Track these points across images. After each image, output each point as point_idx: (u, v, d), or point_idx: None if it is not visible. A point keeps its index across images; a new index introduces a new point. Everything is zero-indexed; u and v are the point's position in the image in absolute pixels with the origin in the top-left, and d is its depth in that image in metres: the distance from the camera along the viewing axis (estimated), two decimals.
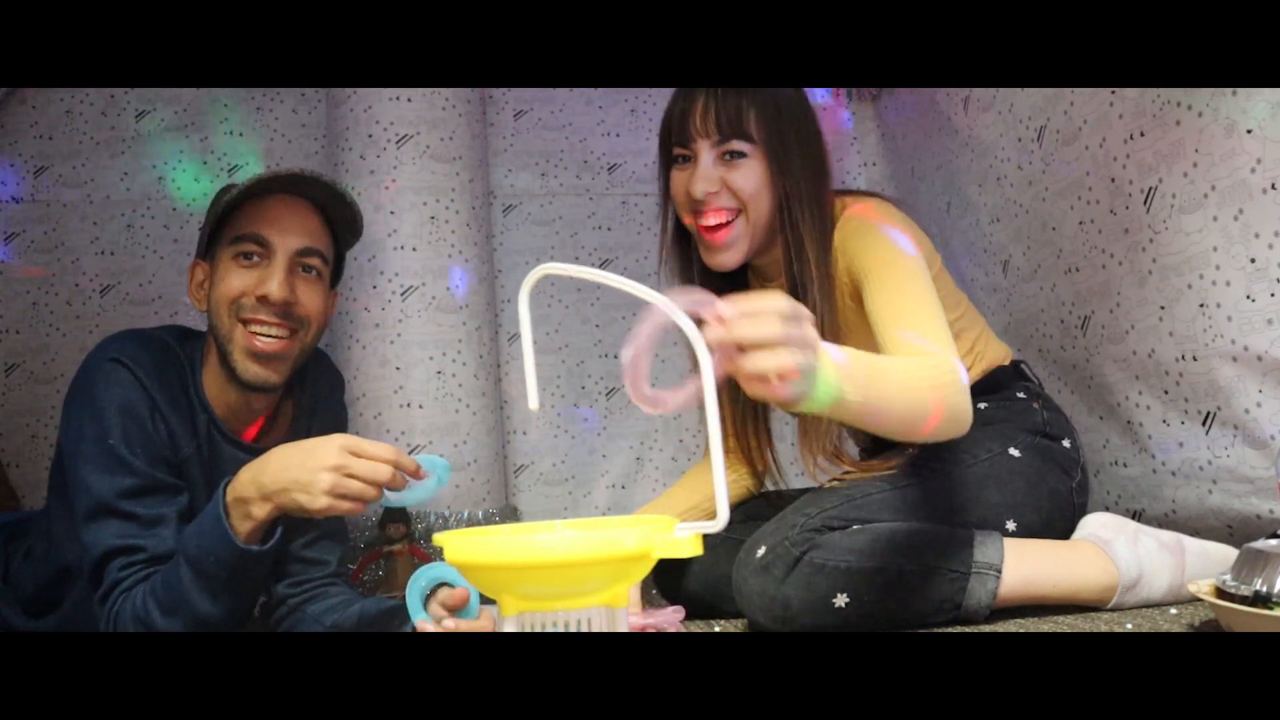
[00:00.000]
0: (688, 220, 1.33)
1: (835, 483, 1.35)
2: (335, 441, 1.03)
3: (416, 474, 1.05)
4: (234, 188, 1.25)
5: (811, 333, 0.85)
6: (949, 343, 1.15)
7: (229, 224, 1.22)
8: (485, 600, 1.13)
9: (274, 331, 1.21)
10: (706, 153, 1.27)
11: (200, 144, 2.27)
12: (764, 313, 0.83)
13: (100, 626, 1.12)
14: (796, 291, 1.27)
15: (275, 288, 1.19)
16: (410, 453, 2.03)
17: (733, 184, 1.26)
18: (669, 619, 1.29)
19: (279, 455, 1.06)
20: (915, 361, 1.09)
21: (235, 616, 1.11)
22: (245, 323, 1.20)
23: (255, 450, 1.28)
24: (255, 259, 1.21)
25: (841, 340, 1.31)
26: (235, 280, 1.20)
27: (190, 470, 1.23)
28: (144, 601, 1.08)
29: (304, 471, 1.02)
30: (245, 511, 1.05)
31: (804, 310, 0.85)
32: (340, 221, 1.32)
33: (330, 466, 1.01)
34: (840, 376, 0.91)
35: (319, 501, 1.01)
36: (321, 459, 1.02)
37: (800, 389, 0.86)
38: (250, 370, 1.21)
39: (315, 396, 1.38)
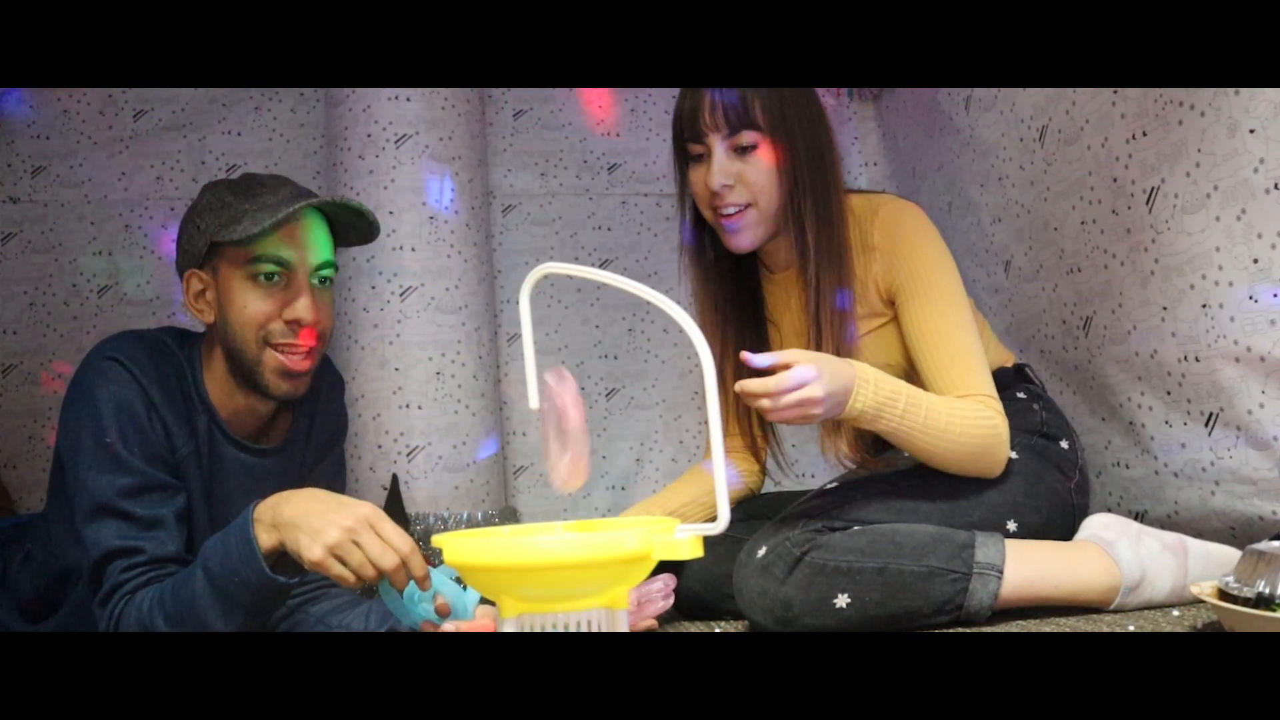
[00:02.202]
0: (707, 213, 1.36)
1: (835, 483, 1.35)
2: (362, 510, 1.02)
3: (422, 584, 1.03)
4: (225, 193, 1.21)
5: (815, 372, 1.10)
6: (987, 379, 1.27)
7: (239, 240, 1.17)
8: (486, 601, 1.13)
9: (302, 350, 1.21)
10: (719, 146, 1.30)
11: (198, 144, 2.26)
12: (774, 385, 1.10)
13: (100, 628, 1.11)
14: (805, 278, 1.32)
15: (306, 311, 1.19)
16: (410, 454, 2.03)
17: (746, 178, 1.30)
18: (661, 589, 1.29)
19: (308, 495, 1.04)
20: (961, 406, 1.23)
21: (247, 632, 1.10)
22: (275, 346, 1.19)
23: (257, 450, 1.29)
24: (276, 279, 1.19)
25: (859, 326, 1.33)
26: (259, 304, 1.18)
27: (187, 469, 1.22)
28: (150, 609, 1.07)
29: (319, 520, 1.00)
30: (259, 541, 1.04)
31: (804, 370, 1.10)
32: (349, 230, 1.30)
33: (344, 527, 1.00)
34: (876, 393, 1.16)
35: (315, 552, 0.99)
36: (340, 517, 1.00)
37: (828, 407, 1.11)
38: (283, 388, 1.21)
39: (315, 397, 1.38)
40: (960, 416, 1.21)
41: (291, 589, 1.07)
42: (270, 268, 1.18)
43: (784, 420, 1.12)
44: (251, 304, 1.18)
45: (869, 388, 1.16)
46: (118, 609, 1.09)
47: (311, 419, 1.38)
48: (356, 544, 0.99)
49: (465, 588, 1.10)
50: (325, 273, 1.23)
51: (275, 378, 1.20)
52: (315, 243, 1.22)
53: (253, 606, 1.05)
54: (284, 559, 1.06)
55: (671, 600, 1.32)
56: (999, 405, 1.26)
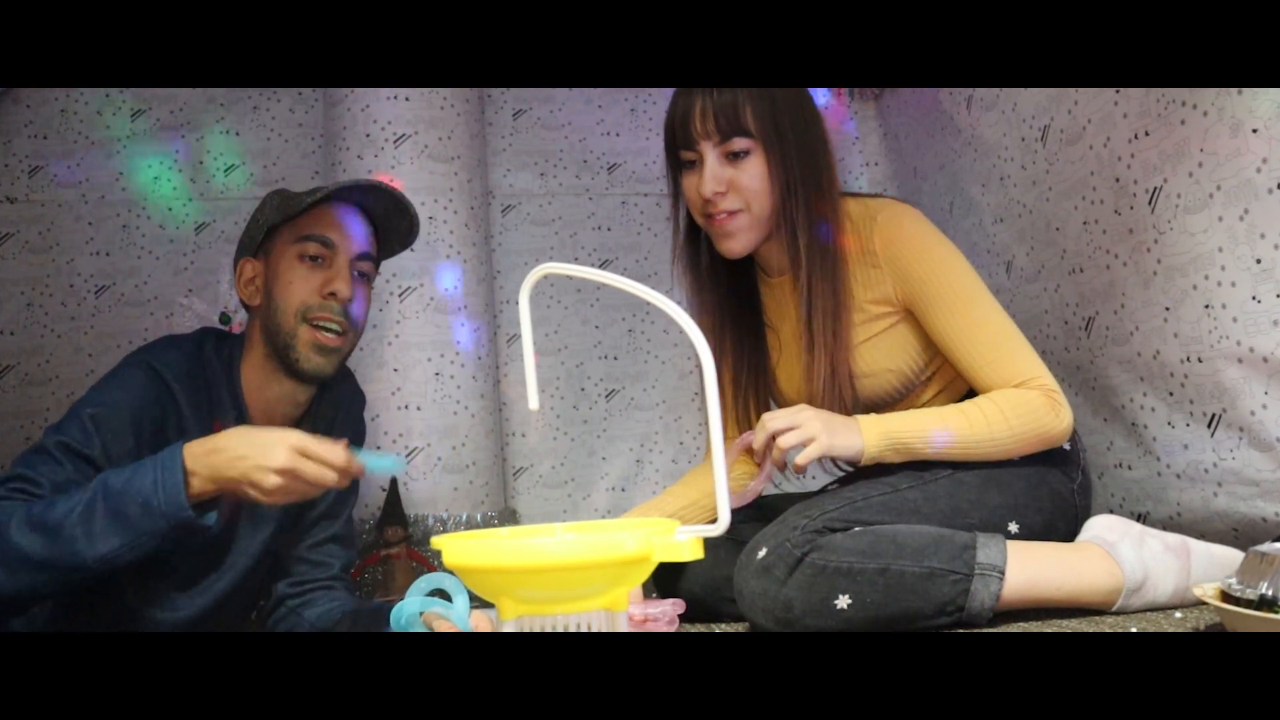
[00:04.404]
0: (700, 219, 1.36)
1: (835, 485, 1.34)
2: (288, 440, 1.07)
3: (360, 473, 1.11)
4: (284, 191, 1.32)
5: (808, 414, 1.24)
6: (1029, 358, 1.29)
7: (291, 224, 1.29)
8: (485, 604, 1.12)
9: (334, 327, 1.29)
10: (711, 153, 1.29)
11: (196, 144, 2.26)
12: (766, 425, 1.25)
13: None
14: (798, 284, 1.32)
15: (343, 287, 1.28)
16: (409, 455, 2.02)
17: (738, 184, 1.30)
18: (667, 611, 1.28)
19: (235, 442, 1.08)
20: (1000, 402, 1.26)
21: (104, 571, 1.07)
22: (310, 321, 1.28)
23: None
24: (320, 261, 1.28)
25: (856, 336, 1.32)
26: (301, 282, 1.28)
27: None
28: (10, 513, 1.05)
29: (254, 469, 1.05)
30: (187, 481, 1.07)
31: (797, 414, 1.24)
32: (391, 232, 1.38)
33: (278, 468, 1.05)
34: (885, 430, 1.24)
35: (268, 498, 1.07)
36: (272, 459, 1.05)
37: (829, 442, 1.22)
38: (313, 361, 1.28)
39: (335, 409, 1.42)
40: (1001, 414, 1.25)
41: (201, 532, 1.09)
42: (315, 248, 1.28)
43: (787, 435, 1.22)
44: (296, 280, 1.28)
45: (875, 428, 1.24)
46: None
47: (330, 425, 1.41)
48: (297, 477, 1.06)
49: (452, 601, 1.09)
50: (364, 265, 1.33)
51: (308, 351, 1.28)
52: (359, 234, 1.32)
53: (149, 536, 1.05)
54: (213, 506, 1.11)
55: (676, 626, 1.31)
56: (1046, 380, 1.27)
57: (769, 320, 1.47)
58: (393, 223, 1.36)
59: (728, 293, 1.45)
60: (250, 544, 1.32)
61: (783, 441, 1.22)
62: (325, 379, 1.31)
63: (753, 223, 1.32)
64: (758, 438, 1.25)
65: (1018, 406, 1.25)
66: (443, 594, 1.10)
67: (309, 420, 1.38)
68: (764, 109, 1.27)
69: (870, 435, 1.23)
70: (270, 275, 1.30)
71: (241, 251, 1.35)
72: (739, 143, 1.28)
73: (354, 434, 1.47)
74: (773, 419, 1.24)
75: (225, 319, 1.48)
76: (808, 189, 1.30)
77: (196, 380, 1.25)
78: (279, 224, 1.29)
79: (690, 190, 1.34)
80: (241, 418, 1.29)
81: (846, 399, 1.32)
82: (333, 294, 1.27)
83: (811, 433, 1.21)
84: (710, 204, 1.30)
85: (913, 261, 1.30)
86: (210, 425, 1.25)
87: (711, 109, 1.27)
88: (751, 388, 1.47)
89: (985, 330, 1.29)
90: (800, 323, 1.32)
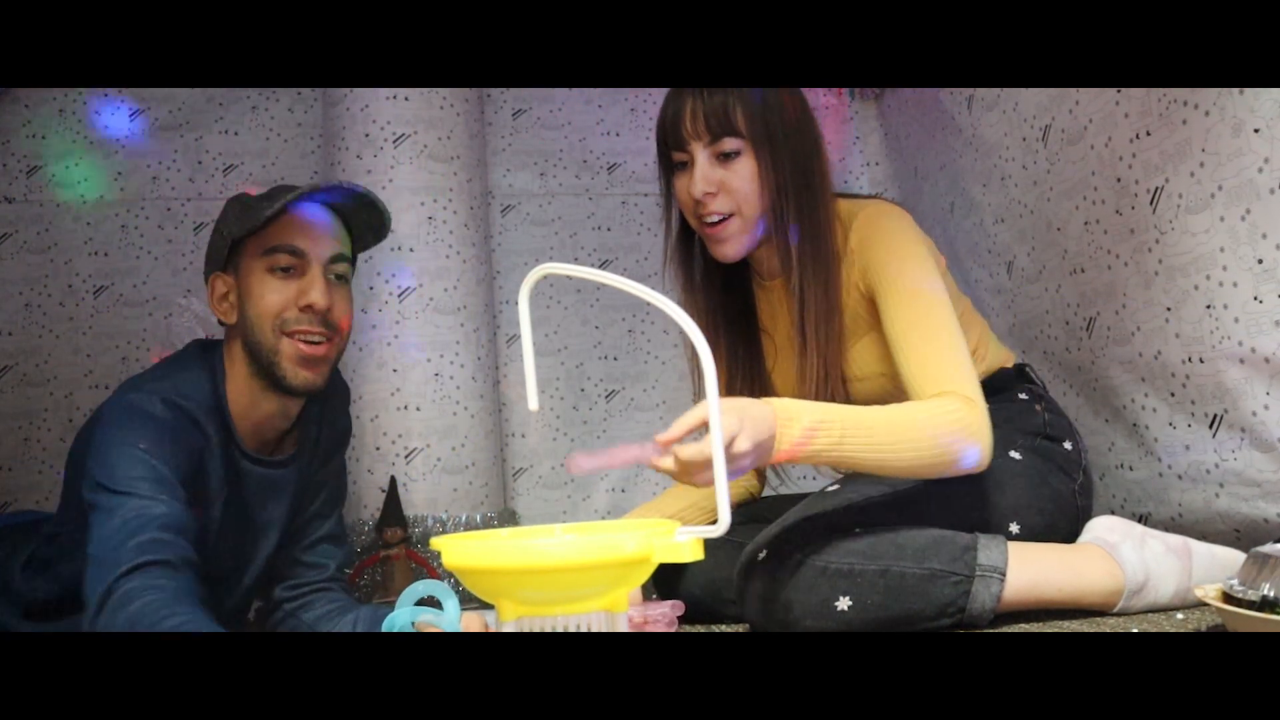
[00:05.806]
0: (692, 221, 1.34)
1: (835, 486, 1.34)
2: None
3: None
4: (247, 196, 1.25)
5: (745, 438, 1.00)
6: (969, 377, 1.19)
7: (256, 236, 1.22)
8: (483, 605, 1.12)
9: (316, 337, 1.23)
10: (701, 154, 1.28)
11: (195, 144, 2.25)
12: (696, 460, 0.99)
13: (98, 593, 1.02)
14: (789, 287, 1.30)
15: (319, 296, 1.21)
16: (408, 456, 2.02)
17: (729, 185, 1.28)
18: (667, 613, 1.28)
19: None
20: (920, 409, 1.15)
21: None
22: (290, 335, 1.21)
23: (273, 463, 1.30)
24: (291, 270, 1.22)
25: (847, 339, 1.31)
26: (275, 296, 1.21)
27: (204, 494, 1.22)
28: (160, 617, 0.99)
29: None
30: None
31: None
32: (363, 226, 1.33)
33: None
34: (804, 428, 1.07)
35: None
36: None
37: (755, 458, 1.03)
38: (301, 376, 1.22)
39: (322, 406, 1.39)
40: (918, 421, 1.13)
41: None
42: (285, 259, 1.21)
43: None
44: (269, 294, 1.21)
45: (794, 426, 1.07)
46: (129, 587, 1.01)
47: (320, 427, 1.39)
48: None
49: (441, 608, 1.09)
50: (339, 267, 1.26)
51: (293, 365, 1.22)
52: (329, 236, 1.25)
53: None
54: None
55: (675, 627, 1.30)
56: (972, 394, 1.17)
57: (763, 324, 1.46)
58: (362, 217, 1.31)
59: (722, 296, 1.44)
60: (253, 552, 1.31)
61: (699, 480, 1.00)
62: (317, 391, 1.26)
63: (744, 227, 1.30)
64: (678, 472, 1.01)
65: (940, 411, 1.14)
66: (436, 602, 1.10)
67: (297, 423, 1.34)
68: (755, 109, 1.26)
69: (787, 435, 1.06)
70: (243, 291, 1.23)
71: (210, 266, 1.28)
72: (729, 143, 1.27)
73: (343, 430, 1.44)
74: (684, 451, 0.98)
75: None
76: (799, 190, 1.28)
77: (176, 440, 1.16)
78: (243, 236, 1.23)
79: (681, 192, 1.32)
80: (231, 438, 1.24)
81: (840, 403, 1.31)
82: (309, 305, 1.21)
83: (741, 465, 1.01)
84: (701, 205, 1.29)
85: (874, 254, 1.27)
86: (199, 461, 1.19)
87: (702, 109, 1.26)
88: (747, 392, 1.46)
89: (928, 337, 1.20)
90: (793, 326, 1.31)
